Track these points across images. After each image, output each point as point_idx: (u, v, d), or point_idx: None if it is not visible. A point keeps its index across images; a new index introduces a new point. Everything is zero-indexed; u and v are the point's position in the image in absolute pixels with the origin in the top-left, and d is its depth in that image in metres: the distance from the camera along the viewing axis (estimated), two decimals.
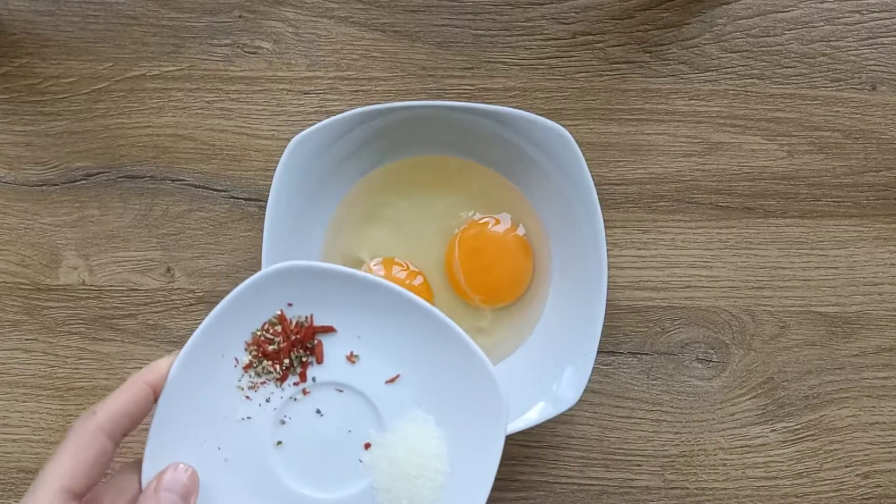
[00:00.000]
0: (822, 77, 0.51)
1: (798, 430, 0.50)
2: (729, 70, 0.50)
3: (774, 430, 0.50)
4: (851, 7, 0.51)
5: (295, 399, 0.38)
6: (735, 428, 0.49)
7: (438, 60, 0.50)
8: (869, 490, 0.49)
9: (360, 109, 0.45)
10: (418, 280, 0.48)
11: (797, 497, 0.49)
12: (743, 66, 0.50)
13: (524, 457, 0.50)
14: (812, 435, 0.50)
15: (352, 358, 0.38)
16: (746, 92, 0.50)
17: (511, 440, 0.48)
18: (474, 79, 0.50)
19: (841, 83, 0.51)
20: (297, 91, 0.50)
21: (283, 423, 0.38)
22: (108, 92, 0.50)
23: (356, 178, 0.49)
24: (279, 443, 0.38)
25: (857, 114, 0.51)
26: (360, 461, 0.38)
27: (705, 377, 0.50)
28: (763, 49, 0.50)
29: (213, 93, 0.50)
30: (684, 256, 0.50)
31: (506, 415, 0.37)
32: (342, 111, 0.45)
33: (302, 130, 0.45)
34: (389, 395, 0.38)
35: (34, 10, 0.50)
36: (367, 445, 0.38)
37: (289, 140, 0.45)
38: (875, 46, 0.51)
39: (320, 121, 0.45)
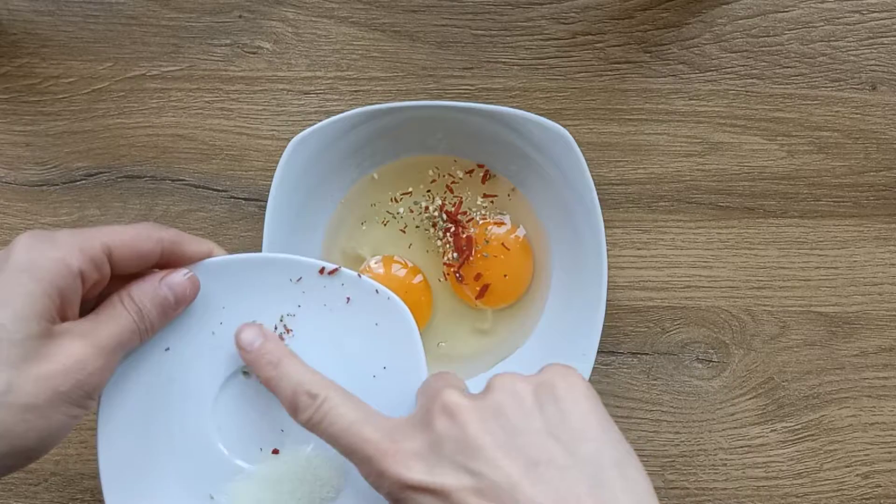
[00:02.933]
0: (822, 77, 0.51)
1: (798, 430, 0.50)
2: (729, 70, 0.50)
3: (774, 430, 0.50)
4: (851, 7, 0.51)
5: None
6: (735, 428, 0.49)
7: (438, 60, 0.50)
8: (869, 490, 0.49)
9: (359, 109, 0.45)
10: (418, 278, 0.48)
11: (797, 497, 0.49)
12: (743, 66, 0.50)
13: None
14: (812, 435, 0.50)
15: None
16: (746, 92, 0.50)
17: None
18: (474, 79, 0.50)
19: (841, 83, 0.51)
20: (297, 91, 0.50)
21: (247, 374, 0.39)
22: (108, 92, 0.50)
23: (356, 179, 0.49)
24: (246, 373, 0.39)
25: (857, 114, 0.51)
26: (282, 430, 0.39)
27: (705, 377, 0.50)
28: (763, 49, 0.50)
29: (213, 93, 0.50)
30: (684, 256, 0.50)
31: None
32: (342, 111, 0.45)
33: (302, 130, 0.45)
34: None
35: (34, 10, 0.50)
36: (276, 450, 0.39)
37: (289, 140, 0.45)
38: (875, 46, 0.51)
39: (320, 121, 0.45)
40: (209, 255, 0.38)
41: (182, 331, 0.38)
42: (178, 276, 0.37)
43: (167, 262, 0.37)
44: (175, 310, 0.37)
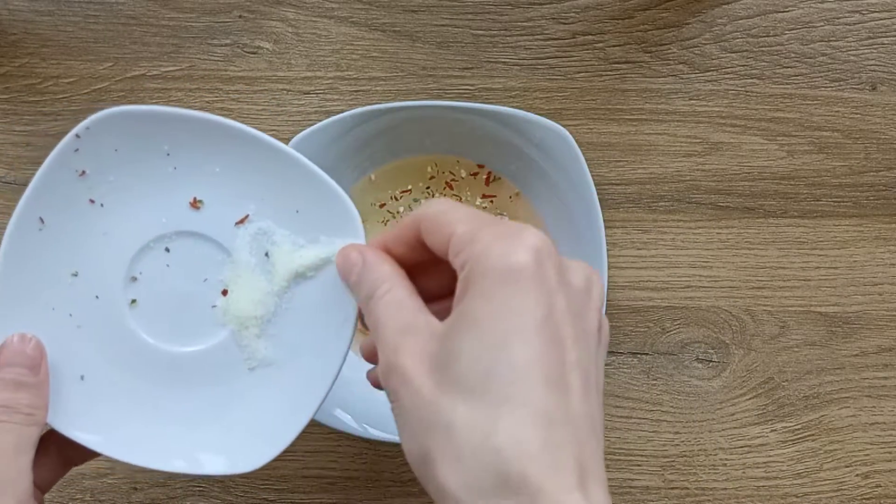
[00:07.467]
0: (822, 77, 0.51)
1: (798, 430, 0.50)
2: (729, 70, 0.50)
3: (774, 430, 0.50)
4: (851, 7, 0.51)
5: (146, 252, 0.37)
6: (735, 428, 0.49)
7: (438, 60, 0.50)
8: (869, 490, 0.49)
9: (359, 109, 0.45)
10: None
11: (797, 497, 0.49)
12: (743, 66, 0.50)
13: None
14: (812, 435, 0.50)
15: (195, 203, 0.37)
16: (746, 92, 0.50)
17: None
18: (474, 79, 0.50)
19: (841, 83, 0.51)
20: (297, 91, 0.50)
21: (134, 280, 0.37)
22: (108, 92, 0.50)
23: (356, 179, 0.49)
24: (133, 301, 0.37)
25: (857, 114, 0.51)
26: (214, 306, 0.37)
27: (705, 377, 0.50)
28: (763, 49, 0.50)
29: (213, 93, 0.50)
30: (684, 256, 0.50)
31: (361, 230, 0.36)
32: (342, 111, 0.45)
33: (302, 130, 0.45)
34: (241, 235, 0.37)
35: (34, 10, 0.50)
36: (225, 292, 0.37)
37: (289, 140, 0.45)
38: (875, 46, 0.51)
39: (320, 121, 0.45)
40: None
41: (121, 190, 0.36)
42: (17, 350, 0.34)
43: None
44: (37, 372, 0.34)
